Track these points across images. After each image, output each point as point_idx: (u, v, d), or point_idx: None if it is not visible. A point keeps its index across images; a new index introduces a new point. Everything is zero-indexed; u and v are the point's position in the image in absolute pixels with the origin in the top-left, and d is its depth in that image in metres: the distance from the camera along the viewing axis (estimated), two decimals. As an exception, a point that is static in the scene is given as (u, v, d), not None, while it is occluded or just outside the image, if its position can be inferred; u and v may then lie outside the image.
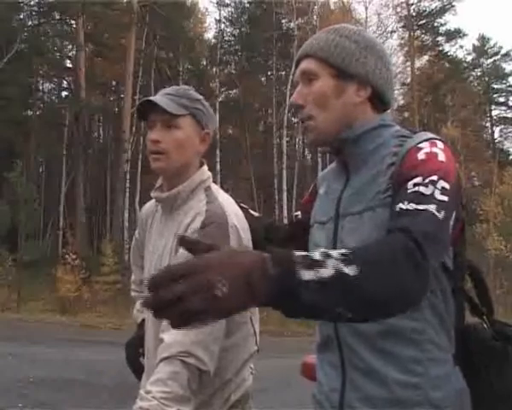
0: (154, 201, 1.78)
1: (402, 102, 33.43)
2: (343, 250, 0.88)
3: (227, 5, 30.72)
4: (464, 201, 1.21)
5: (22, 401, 5.95)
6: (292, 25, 28.94)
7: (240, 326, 1.61)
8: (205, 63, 31.04)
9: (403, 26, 30.22)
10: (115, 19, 25.96)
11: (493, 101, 35.45)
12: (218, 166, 24.73)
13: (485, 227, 21.42)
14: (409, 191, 1.07)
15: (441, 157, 1.11)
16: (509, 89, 35.43)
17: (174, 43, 27.48)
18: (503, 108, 36.08)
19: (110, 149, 28.51)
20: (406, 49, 30.82)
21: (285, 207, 24.77)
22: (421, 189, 1.06)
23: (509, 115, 35.94)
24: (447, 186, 1.06)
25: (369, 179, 1.20)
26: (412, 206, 1.03)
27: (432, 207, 1.02)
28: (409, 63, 30.54)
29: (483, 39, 35.05)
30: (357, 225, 1.18)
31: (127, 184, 24.16)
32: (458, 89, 29.24)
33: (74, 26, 26.77)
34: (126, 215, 23.71)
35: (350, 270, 0.85)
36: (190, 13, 29.94)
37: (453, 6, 30.11)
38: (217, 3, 29.90)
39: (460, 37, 31.65)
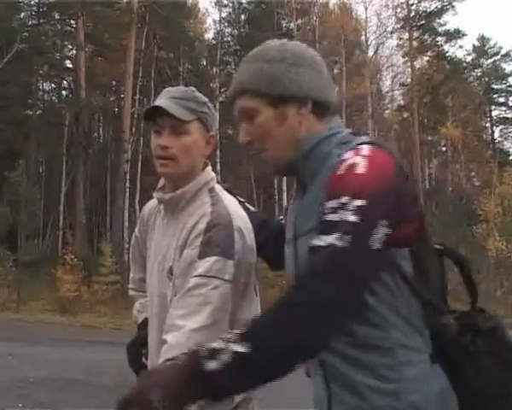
0: (156, 200, 1.77)
1: (402, 102, 33.48)
2: (241, 329, 1.00)
3: (225, 6, 30.76)
4: (416, 197, 1.18)
5: (22, 401, 5.95)
6: (292, 25, 28.94)
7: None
8: (205, 63, 31.05)
9: (402, 27, 30.22)
10: (115, 19, 25.98)
11: (493, 101, 35.51)
12: (218, 167, 24.72)
13: (485, 227, 21.42)
14: (322, 220, 1.07)
15: (360, 168, 1.08)
16: (509, 89, 35.48)
17: (174, 44, 27.49)
18: (503, 108, 36.16)
19: (110, 150, 28.49)
20: (406, 49, 30.82)
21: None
22: (330, 217, 1.05)
23: (509, 116, 36.02)
24: (362, 203, 1.03)
25: (314, 196, 1.19)
26: (318, 241, 1.05)
27: (333, 238, 1.02)
28: (409, 64, 30.54)
29: (483, 39, 35.12)
30: (307, 246, 1.14)
31: (127, 185, 24.15)
32: (458, 89, 29.24)
33: (74, 26, 26.78)
34: (126, 215, 23.69)
35: (243, 348, 0.96)
36: (190, 13, 29.96)
37: (453, 6, 30.15)
38: (215, 4, 29.94)
39: (460, 37, 31.68)
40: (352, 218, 1.03)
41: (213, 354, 0.97)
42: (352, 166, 1.09)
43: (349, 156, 1.11)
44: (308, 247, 1.07)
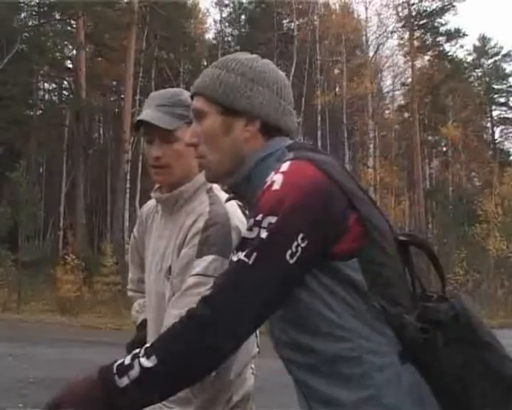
0: (154, 200, 1.77)
1: (402, 102, 33.48)
2: (147, 344, 1.06)
3: (226, 6, 30.78)
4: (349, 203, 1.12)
5: (22, 401, 5.94)
6: (292, 25, 28.96)
7: None
8: (205, 63, 31.06)
9: (403, 27, 30.23)
10: (116, 19, 25.98)
11: (494, 101, 35.52)
12: (219, 167, 24.71)
13: (485, 227, 21.41)
14: (239, 239, 1.12)
15: (276, 185, 1.08)
16: (510, 89, 35.49)
17: (175, 44, 27.52)
18: (504, 108, 36.18)
19: (110, 150, 28.52)
20: (406, 49, 30.82)
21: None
22: (247, 234, 1.08)
23: (509, 116, 36.04)
24: (273, 220, 1.05)
25: None
26: (232, 256, 1.09)
27: (242, 254, 1.05)
28: (409, 63, 30.54)
29: (484, 39, 35.14)
30: None
31: (127, 185, 24.17)
32: (459, 89, 29.26)
33: (75, 26, 26.80)
34: (127, 216, 23.70)
35: (150, 362, 1.02)
36: (191, 13, 29.98)
37: (454, 6, 30.15)
38: (216, 4, 29.96)
39: (460, 37, 31.69)
40: (263, 234, 1.05)
41: (124, 370, 1.03)
42: (270, 184, 1.10)
43: (270, 177, 1.12)
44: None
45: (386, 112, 33.65)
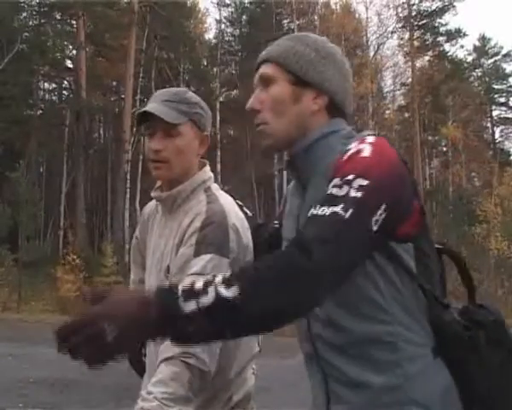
0: (155, 201, 1.77)
1: (403, 102, 33.46)
2: (227, 273, 0.94)
3: (227, 5, 30.78)
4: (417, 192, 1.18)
5: (23, 401, 5.95)
6: (292, 25, 28.94)
7: None
8: (205, 63, 31.05)
9: (403, 27, 30.22)
10: (116, 19, 26.00)
11: (494, 101, 35.50)
12: (219, 167, 24.74)
13: (485, 227, 21.40)
14: (325, 195, 1.07)
15: (365, 153, 1.10)
16: (510, 89, 35.48)
17: (175, 44, 27.50)
18: (504, 108, 36.16)
19: (111, 150, 28.51)
20: (407, 49, 30.82)
21: (285, 207, 24.73)
22: (335, 190, 1.06)
23: (509, 116, 36.02)
24: (365, 183, 1.05)
25: (318, 191, 1.18)
26: (320, 210, 1.03)
27: (338, 208, 1.02)
28: (409, 63, 30.54)
29: (484, 39, 35.12)
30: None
31: (128, 185, 24.17)
32: (459, 89, 29.26)
33: (75, 26, 26.80)
34: (127, 216, 23.70)
35: (230, 292, 0.90)
36: (191, 13, 29.97)
37: (454, 6, 30.15)
38: (217, 4, 29.95)
39: (460, 37, 31.68)
40: (357, 194, 1.04)
41: (192, 294, 0.91)
42: (358, 151, 1.11)
43: (354, 145, 1.14)
44: (308, 216, 1.06)
45: (387, 112, 33.62)
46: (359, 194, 1.03)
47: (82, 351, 0.88)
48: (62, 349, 0.88)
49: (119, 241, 22.22)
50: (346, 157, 1.11)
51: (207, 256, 1.48)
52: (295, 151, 1.26)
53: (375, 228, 1.04)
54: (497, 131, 36.20)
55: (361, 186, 1.04)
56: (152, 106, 1.61)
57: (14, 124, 23.53)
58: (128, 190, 24.21)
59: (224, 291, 0.90)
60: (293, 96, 1.24)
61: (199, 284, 0.92)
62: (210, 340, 0.98)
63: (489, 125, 35.86)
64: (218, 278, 0.93)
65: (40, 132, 25.48)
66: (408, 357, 1.13)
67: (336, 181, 1.07)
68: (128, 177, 24.18)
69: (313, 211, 1.05)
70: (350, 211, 1.01)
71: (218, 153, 25.12)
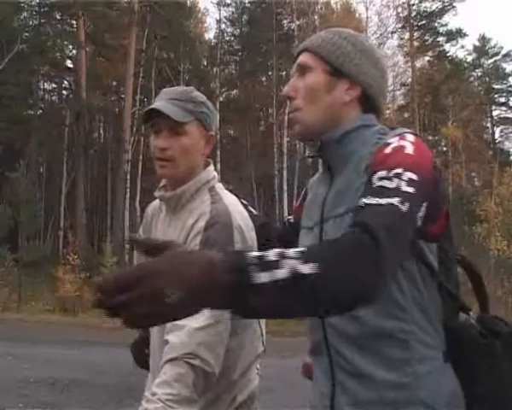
0: (158, 200, 1.77)
1: (402, 102, 33.45)
2: (299, 248, 0.88)
3: (227, 5, 30.78)
4: (445, 195, 1.22)
5: (23, 401, 5.95)
6: (293, 25, 28.94)
7: (246, 327, 1.60)
8: (205, 63, 31.06)
9: (403, 27, 30.22)
10: (116, 19, 26.02)
11: (494, 101, 35.46)
12: (219, 167, 24.73)
13: (485, 227, 21.39)
14: (373, 186, 1.07)
15: (409, 150, 1.12)
16: (510, 89, 35.44)
17: (175, 44, 27.51)
18: (504, 108, 36.11)
19: (111, 150, 28.50)
20: (407, 49, 30.82)
21: (285, 207, 24.77)
22: (385, 183, 1.06)
23: (509, 116, 35.97)
24: (414, 177, 1.05)
25: (349, 181, 1.20)
26: (375, 200, 1.02)
27: (395, 200, 1.01)
28: (409, 64, 30.54)
29: (483, 39, 35.07)
30: (339, 228, 1.16)
31: (128, 185, 24.17)
32: (459, 89, 29.23)
33: (75, 26, 26.83)
34: (127, 216, 23.71)
35: (306, 269, 0.84)
36: (191, 13, 29.97)
37: (454, 6, 30.15)
38: (217, 4, 29.95)
39: (460, 37, 31.67)
40: (408, 188, 1.04)
41: (265, 265, 0.82)
42: (401, 147, 1.12)
43: (395, 140, 1.15)
44: (358, 205, 1.05)
45: (387, 112, 33.63)
46: (411, 189, 1.04)
47: (132, 310, 0.75)
48: (102, 305, 0.75)
49: (119, 241, 22.21)
50: (388, 151, 1.13)
51: None
52: (327, 140, 1.27)
53: (419, 223, 1.07)
54: (497, 131, 36.19)
55: (411, 180, 1.05)
56: (159, 104, 1.60)
57: (14, 124, 23.55)
58: (128, 190, 24.21)
59: (299, 265, 0.84)
60: (327, 85, 1.27)
61: (272, 255, 0.84)
62: (274, 316, 0.91)
63: (489, 125, 35.83)
64: (292, 253, 0.86)
65: (40, 132, 25.49)
66: (418, 357, 1.14)
67: (383, 173, 1.07)
68: (128, 177, 24.18)
69: (365, 200, 1.04)
70: (406, 205, 1.02)
71: (218, 153, 25.11)
